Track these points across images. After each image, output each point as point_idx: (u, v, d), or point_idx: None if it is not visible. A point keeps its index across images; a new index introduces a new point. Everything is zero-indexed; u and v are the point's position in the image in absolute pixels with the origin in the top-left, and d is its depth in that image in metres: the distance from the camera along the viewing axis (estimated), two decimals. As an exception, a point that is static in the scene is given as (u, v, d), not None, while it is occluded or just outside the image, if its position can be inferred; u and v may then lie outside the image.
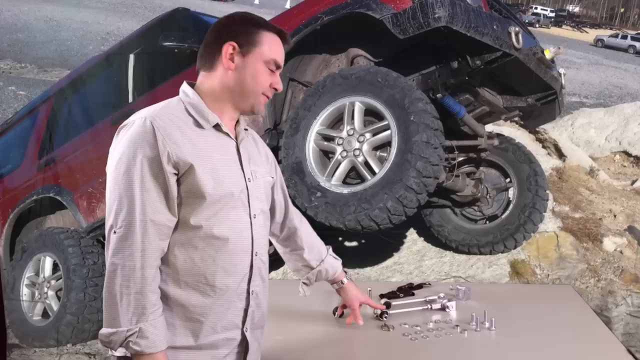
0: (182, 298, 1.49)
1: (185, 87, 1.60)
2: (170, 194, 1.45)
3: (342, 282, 2.11)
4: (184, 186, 1.47)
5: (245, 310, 1.58)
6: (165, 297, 1.48)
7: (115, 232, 1.42)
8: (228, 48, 1.53)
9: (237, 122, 1.63)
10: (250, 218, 1.58)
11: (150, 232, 1.42)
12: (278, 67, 1.59)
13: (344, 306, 2.22)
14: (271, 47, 1.56)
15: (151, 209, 1.43)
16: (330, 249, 2.08)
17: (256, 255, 1.59)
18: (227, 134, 1.58)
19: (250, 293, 1.58)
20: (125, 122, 1.51)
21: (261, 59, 1.55)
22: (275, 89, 1.60)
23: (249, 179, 1.59)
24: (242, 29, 1.55)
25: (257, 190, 1.62)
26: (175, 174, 1.46)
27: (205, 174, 1.48)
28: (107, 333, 1.41)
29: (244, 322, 1.58)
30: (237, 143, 1.60)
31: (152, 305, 1.42)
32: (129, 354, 1.45)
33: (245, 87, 1.56)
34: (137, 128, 1.46)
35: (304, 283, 2.04)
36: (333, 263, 2.06)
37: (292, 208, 1.95)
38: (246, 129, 1.66)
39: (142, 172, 1.43)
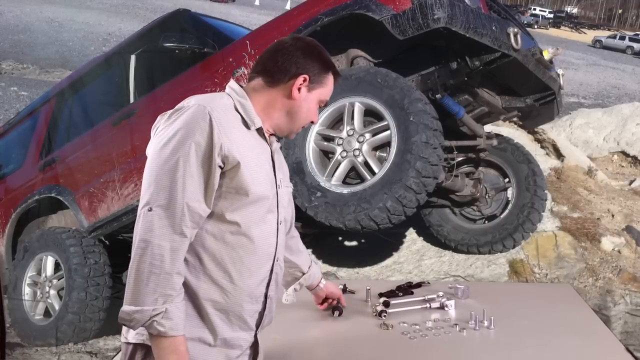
0: (203, 292, 1.50)
1: (234, 84, 1.62)
2: (210, 185, 1.46)
3: (321, 283, 2.20)
4: (227, 180, 1.48)
5: (261, 314, 1.60)
6: (187, 288, 1.48)
7: (151, 209, 1.41)
8: (300, 80, 1.60)
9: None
10: (277, 224, 1.61)
11: (187, 217, 1.42)
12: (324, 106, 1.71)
13: (326, 300, 2.29)
14: (330, 89, 1.68)
15: (191, 195, 1.43)
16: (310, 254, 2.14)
17: (277, 261, 1.62)
18: (266, 140, 1.62)
19: (268, 298, 1.61)
20: (179, 106, 1.51)
21: (319, 98, 1.66)
22: (312, 122, 1.71)
23: (278, 185, 1.63)
24: (317, 65, 1.64)
25: (283, 198, 1.66)
26: (221, 167, 1.47)
27: (250, 173, 1.50)
28: (130, 311, 1.38)
29: (257, 326, 1.60)
30: (271, 150, 1.64)
31: (180, 287, 1.42)
32: (142, 341, 1.45)
33: (298, 117, 1.65)
34: (195, 114, 1.46)
35: (295, 289, 2.07)
36: (316, 268, 2.13)
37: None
38: (278, 140, 1.71)
39: (189, 156, 1.42)
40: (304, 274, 2.05)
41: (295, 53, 1.62)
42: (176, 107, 1.51)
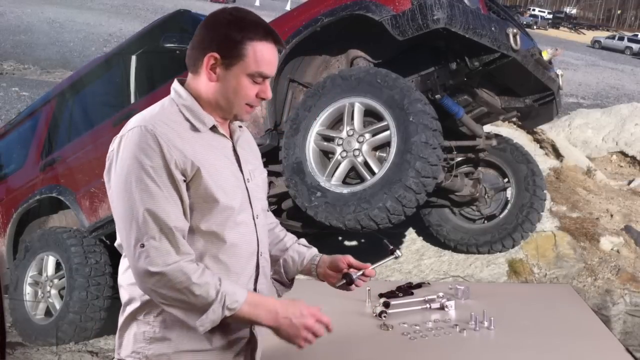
0: None
1: (177, 86, 1.54)
2: (184, 201, 1.43)
3: (315, 260, 1.79)
4: (193, 192, 1.44)
5: None
6: None
7: (143, 245, 1.37)
8: (209, 60, 1.46)
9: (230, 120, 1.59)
10: (254, 219, 1.57)
11: (178, 238, 1.40)
12: (265, 77, 1.50)
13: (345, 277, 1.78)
14: (257, 59, 1.46)
15: (174, 216, 1.40)
16: (302, 240, 1.87)
17: (261, 255, 1.59)
18: (224, 135, 1.55)
19: (258, 292, 1.58)
20: (121, 132, 1.46)
21: (245, 73, 1.47)
22: (263, 99, 1.52)
23: (248, 179, 1.57)
24: (225, 37, 1.45)
25: (257, 190, 1.60)
26: (184, 180, 1.42)
27: (211, 178, 1.46)
28: (203, 320, 1.38)
29: None
30: (233, 143, 1.57)
31: (211, 272, 1.42)
32: (138, 359, 1.46)
33: (228, 99, 1.49)
34: (138, 138, 1.40)
35: (274, 279, 1.80)
36: (299, 249, 1.81)
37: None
38: (240, 126, 1.63)
39: (155, 181, 1.38)
40: (276, 261, 1.79)
41: (202, 32, 1.49)
42: (120, 132, 1.46)
